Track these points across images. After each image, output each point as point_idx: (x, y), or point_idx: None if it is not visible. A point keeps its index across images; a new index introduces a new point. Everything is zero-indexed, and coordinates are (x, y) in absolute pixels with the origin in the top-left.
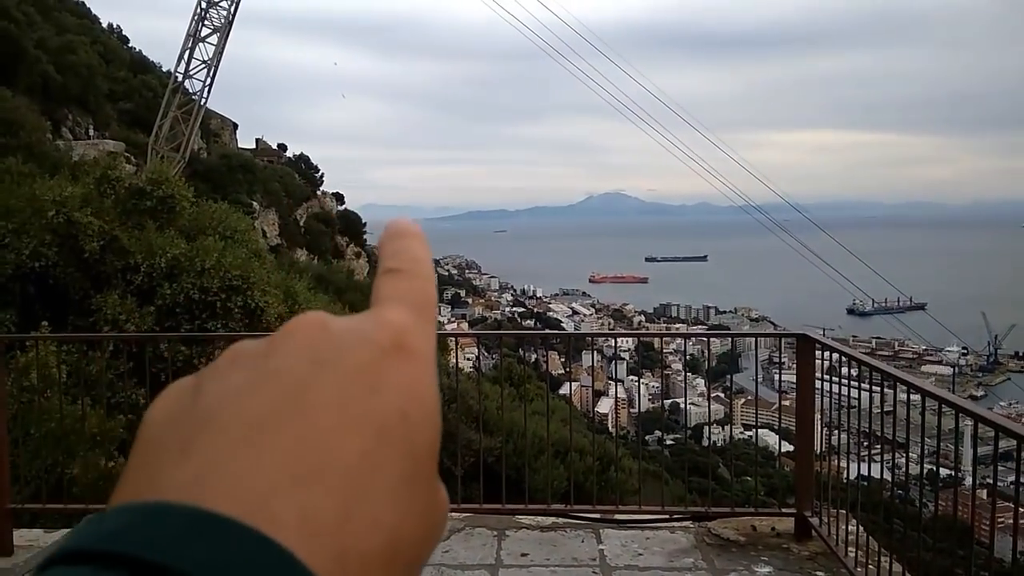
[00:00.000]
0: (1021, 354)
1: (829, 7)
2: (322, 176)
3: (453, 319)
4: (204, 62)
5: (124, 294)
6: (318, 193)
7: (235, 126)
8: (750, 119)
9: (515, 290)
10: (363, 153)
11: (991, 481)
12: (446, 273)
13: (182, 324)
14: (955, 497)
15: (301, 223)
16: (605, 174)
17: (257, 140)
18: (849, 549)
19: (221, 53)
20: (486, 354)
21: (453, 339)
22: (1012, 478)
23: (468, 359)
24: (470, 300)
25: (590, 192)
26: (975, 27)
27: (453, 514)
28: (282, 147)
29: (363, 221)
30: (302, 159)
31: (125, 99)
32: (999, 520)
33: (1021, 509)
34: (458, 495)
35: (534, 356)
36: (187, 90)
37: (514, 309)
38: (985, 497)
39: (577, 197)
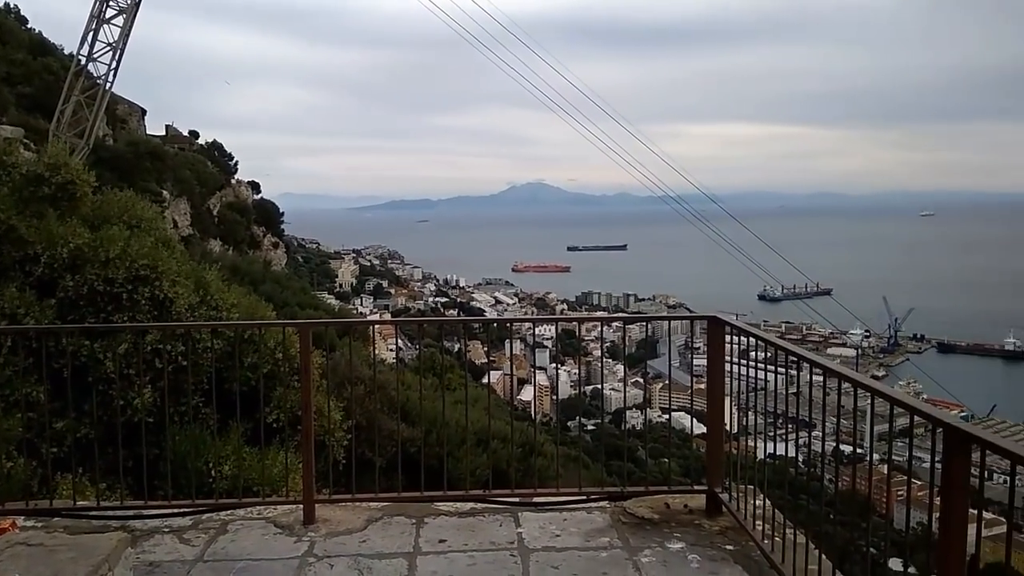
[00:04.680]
0: (919, 336)
1: (745, 3)
2: (237, 164)
3: (376, 310)
4: (109, 45)
5: (23, 287)
6: (233, 182)
7: (143, 112)
8: (668, 112)
9: (438, 280)
10: (281, 141)
11: (895, 458)
12: (368, 263)
13: (86, 317)
14: (854, 472)
15: (214, 212)
16: (527, 164)
17: (167, 126)
18: (757, 523)
19: (127, 35)
20: (409, 344)
21: (375, 329)
22: (918, 454)
23: (391, 350)
24: (393, 290)
25: (512, 182)
26: (880, 26)
27: (371, 504)
28: (194, 134)
29: (280, 211)
30: (215, 146)
31: (24, 83)
32: (899, 493)
33: (915, 481)
34: (377, 485)
35: (457, 346)
36: (91, 74)
37: (437, 299)
38: (885, 471)
39: (500, 187)
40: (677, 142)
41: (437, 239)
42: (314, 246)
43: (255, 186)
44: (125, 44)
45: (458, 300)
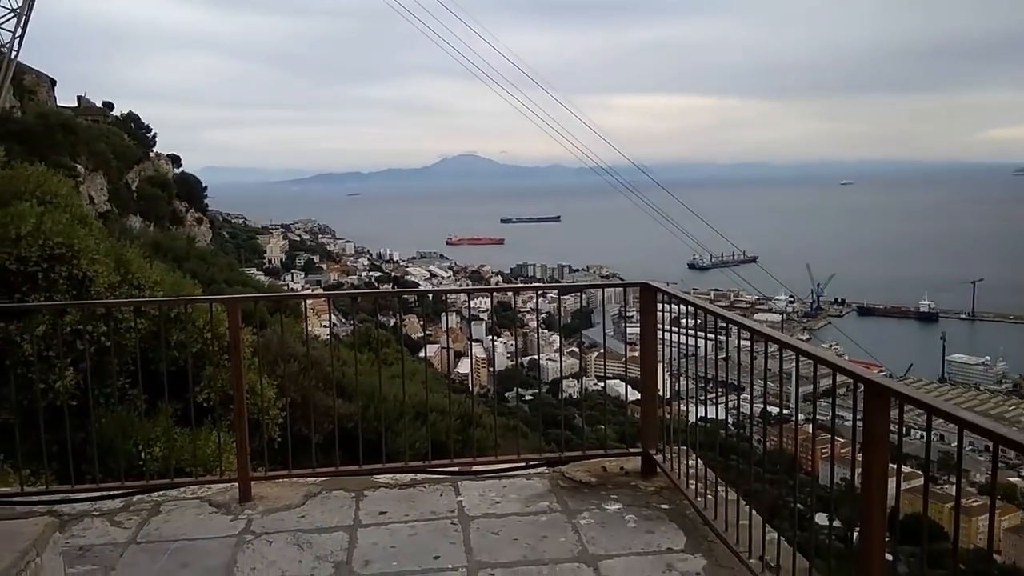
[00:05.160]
0: (840, 300)
1: None
2: (154, 137)
3: (308, 285)
4: (13, 11)
5: None
6: (151, 155)
7: (53, 82)
8: (599, 83)
9: (371, 254)
10: (200, 113)
11: (819, 417)
12: (298, 238)
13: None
14: (781, 432)
15: (133, 187)
16: (458, 136)
17: (79, 98)
18: (690, 483)
19: (33, 1)
20: (343, 320)
21: (308, 304)
22: (842, 412)
23: (324, 326)
24: (324, 266)
25: (444, 154)
26: (799, 1)
27: (309, 479)
28: (108, 105)
29: (204, 185)
30: (131, 118)
31: None
32: (824, 450)
33: (840, 439)
34: (314, 461)
35: (392, 320)
36: None
37: (371, 274)
38: (811, 431)
39: (431, 159)
40: (608, 113)
41: (369, 213)
42: (240, 221)
43: (175, 160)
44: (31, 10)
45: (392, 274)
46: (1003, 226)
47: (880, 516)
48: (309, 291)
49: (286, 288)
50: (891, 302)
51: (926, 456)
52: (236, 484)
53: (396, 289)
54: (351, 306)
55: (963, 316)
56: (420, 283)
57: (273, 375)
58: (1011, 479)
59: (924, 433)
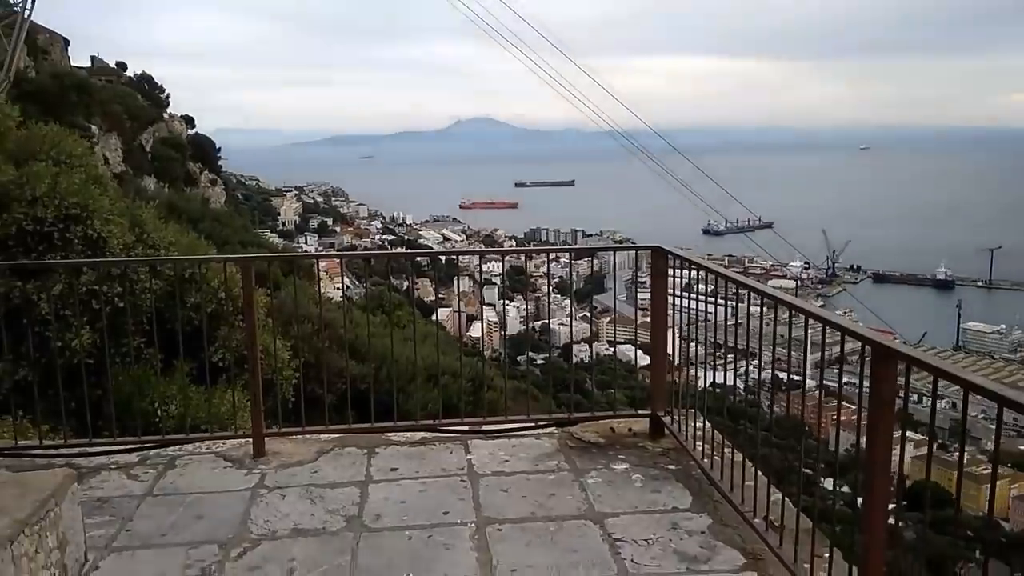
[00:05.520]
0: (856, 267)
1: None
2: (168, 97)
3: (321, 248)
4: None
5: None
6: (165, 116)
7: (66, 42)
8: (619, 45)
9: (384, 217)
10: (213, 73)
11: (830, 383)
12: (312, 200)
13: (16, 258)
14: (789, 398)
15: (147, 148)
16: (473, 99)
17: (92, 58)
18: (697, 444)
19: None
20: (356, 283)
21: (321, 267)
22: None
23: (338, 288)
24: (338, 228)
25: (459, 117)
26: None
27: (321, 436)
28: (121, 66)
29: (217, 146)
30: (144, 79)
31: None
32: (834, 416)
33: (850, 406)
34: (326, 419)
35: (405, 283)
36: (7, 1)
37: (384, 236)
38: (819, 396)
39: (446, 122)
40: (626, 76)
41: (382, 176)
42: (254, 183)
43: (189, 121)
44: None
45: (405, 238)
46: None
47: (884, 479)
48: (322, 253)
49: (300, 250)
50: (907, 269)
51: (931, 418)
52: (250, 440)
53: (409, 251)
54: (364, 268)
55: (980, 284)
56: (433, 247)
57: (287, 336)
58: (1022, 447)
59: (934, 400)
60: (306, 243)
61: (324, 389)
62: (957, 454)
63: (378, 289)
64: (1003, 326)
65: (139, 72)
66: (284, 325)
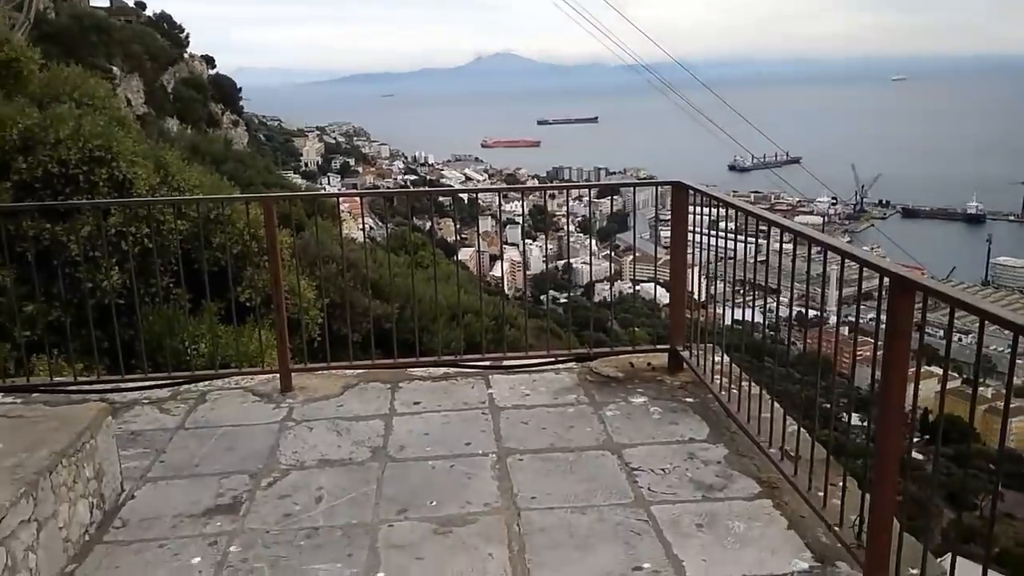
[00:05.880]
0: (885, 202)
1: None
2: (188, 37)
3: (343, 188)
4: None
5: None
6: (185, 56)
7: None
8: None
9: (406, 157)
10: (231, 10)
11: (851, 319)
12: (333, 141)
13: (44, 200)
14: (805, 333)
15: (169, 90)
16: (495, 33)
17: None
18: (715, 377)
19: None
20: (379, 223)
21: (345, 207)
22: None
23: (361, 229)
24: (360, 168)
25: (479, 53)
26: None
27: (346, 372)
28: (140, 5)
29: (238, 87)
30: (164, 18)
31: None
32: (859, 353)
33: (871, 340)
34: (351, 356)
35: (427, 223)
36: None
37: (406, 177)
38: (847, 334)
39: (467, 58)
40: (654, 7)
41: (403, 115)
42: (276, 124)
43: (209, 61)
44: None
45: (428, 177)
46: None
47: (898, 409)
48: (343, 192)
49: (322, 191)
50: (938, 204)
51: (946, 349)
52: (278, 375)
53: (430, 188)
54: (386, 208)
55: (1012, 218)
56: (456, 186)
57: (312, 276)
58: None
59: (950, 330)
60: (329, 184)
61: (348, 328)
62: (984, 391)
63: (400, 229)
64: None
65: (158, 11)
66: (309, 265)
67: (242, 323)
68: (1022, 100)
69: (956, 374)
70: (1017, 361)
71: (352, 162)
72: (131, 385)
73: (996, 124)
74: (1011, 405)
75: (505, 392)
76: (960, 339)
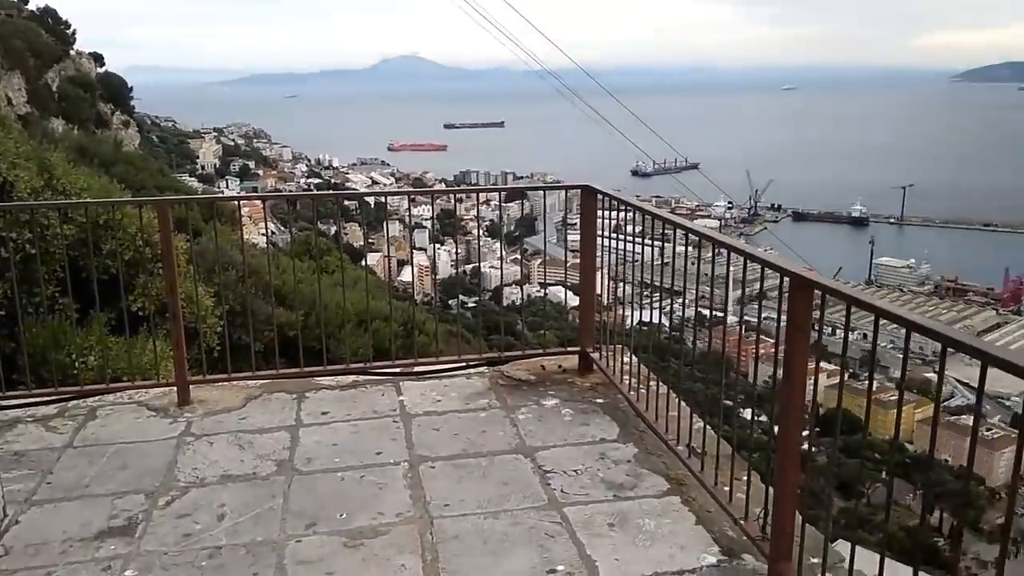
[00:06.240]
0: (776, 206)
1: None
2: (74, 33)
3: (243, 192)
4: None
5: None
6: (72, 53)
7: None
8: None
9: (310, 160)
10: (123, 6)
11: (750, 319)
12: (232, 143)
13: None
14: (711, 333)
15: (54, 88)
16: (400, 36)
17: None
18: (624, 378)
19: None
20: (281, 228)
21: (244, 212)
22: (774, 314)
23: (262, 234)
24: (261, 172)
25: (385, 55)
26: None
27: (249, 383)
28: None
29: (129, 86)
30: (48, 13)
31: None
32: (761, 351)
33: (771, 339)
34: (254, 366)
35: (333, 228)
36: None
37: (310, 180)
38: (744, 332)
39: (371, 60)
40: (557, 15)
41: (306, 116)
42: (170, 124)
43: (98, 58)
44: None
45: (332, 181)
46: (937, 133)
47: (798, 404)
48: (244, 195)
49: (221, 194)
50: (825, 207)
51: (844, 343)
52: (174, 388)
53: (335, 192)
54: (289, 213)
55: (892, 221)
56: (362, 190)
57: (210, 283)
58: (926, 374)
59: (849, 332)
60: (227, 187)
61: (251, 336)
62: (867, 381)
63: (304, 234)
64: (912, 260)
65: (41, 6)
66: (207, 272)
67: (135, 334)
68: (903, 109)
69: (840, 366)
70: (898, 355)
71: (252, 165)
72: (13, 402)
73: (878, 132)
74: (895, 398)
75: (416, 399)
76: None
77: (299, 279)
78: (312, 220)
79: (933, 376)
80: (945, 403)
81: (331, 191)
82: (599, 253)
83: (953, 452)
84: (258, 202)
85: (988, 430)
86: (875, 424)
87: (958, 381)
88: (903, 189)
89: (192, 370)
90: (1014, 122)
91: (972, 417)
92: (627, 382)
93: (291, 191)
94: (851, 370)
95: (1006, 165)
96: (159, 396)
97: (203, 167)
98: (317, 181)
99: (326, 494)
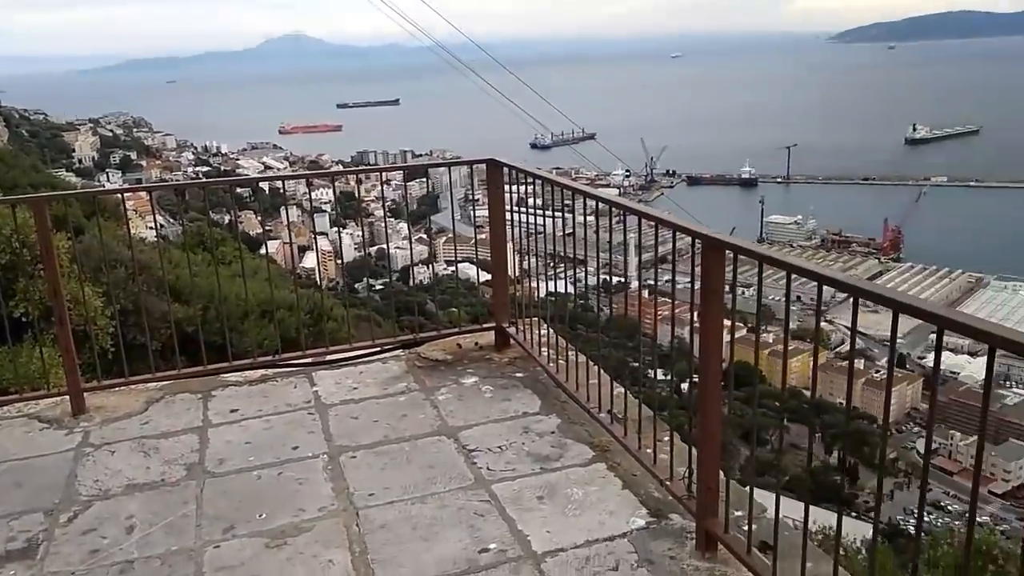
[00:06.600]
0: (672, 172)
1: None
2: None
3: (127, 184)
4: None
5: None
6: None
7: None
8: None
9: (196, 148)
10: None
11: (662, 284)
12: (110, 134)
13: None
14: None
15: None
16: (282, 14)
17: None
18: (542, 350)
19: None
20: (171, 220)
21: (130, 205)
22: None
23: (150, 227)
24: (144, 162)
25: (268, 35)
26: None
27: (149, 385)
28: None
29: None
30: None
31: None
32: (660, 313)
33: (680, 301)
34: (152, 367)
35: (228, 217)
36: None
37: (198, 169)
38: (647, 296)
39: (254, 41)
40: None
41: (190, 102)
42: (40, 117)
43: None
44: None
45: (222, 168)
46: (816, 94)
47: (716, 362)
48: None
49: (102, 188)
50: (717, 171)
51: (757, 299)
52: (67, 397)
53: (226, 179)
54: (178, 204)
55: (779, 180)
56: (255, 176)
57: (98, 283)
58: (823, 325)
59: (760, 282)
60: (109, 180)
61: (147, 336)
62: (766, 336)
63: (197, 225)
64: (799, 217)
65: None
66: (94, 271)
67: (19, 342)
68: (784, 71)
69: (742, 324)
70: (793, 308)
71: (134, 156)
72: None
73: (762, 95)
74: (790, 348)
75: (331, 388)
76: (743, 292)
77: (195, 272)
78: (204, 210)
79: (828, 326)
80: (836, 349)
81: (222, 178)
82: (508, 226)
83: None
84: (143, 194)
85: (876, 372)
86: (772, 374)
87: (847, 327)
88: (788, 149)
89: (85, 376)
90: (884, 80)
91: (859, 360)
92: (545, 354)
93: (178, 181)
94: (749, 324)
95: (879, 120)
96: (51, 407)
97: (80, 160)
98: (206, 169)
99: (242, 495)
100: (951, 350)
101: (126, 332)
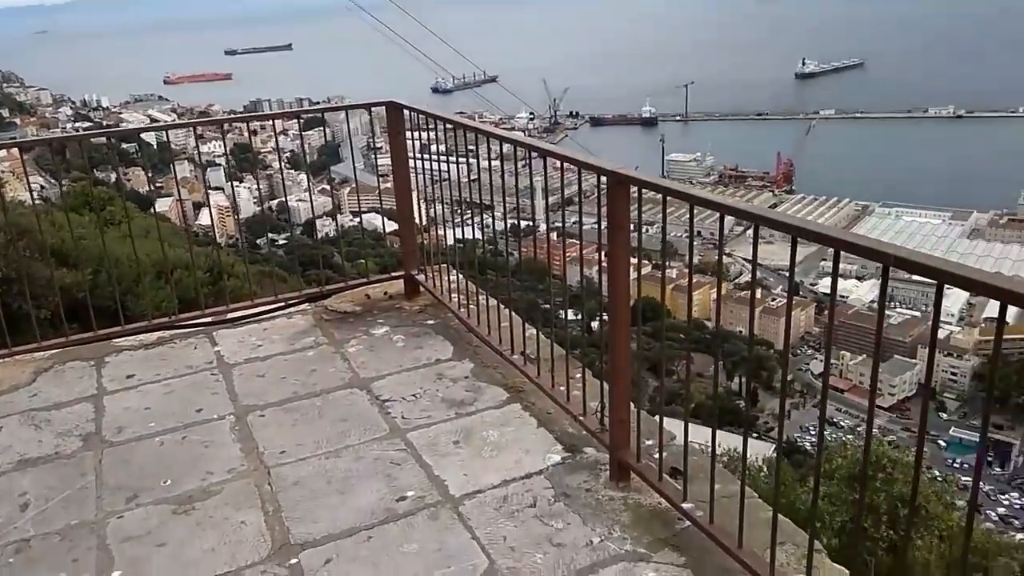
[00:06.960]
0: (575, 113)
1: None
2: None
3: None
4: None
5: None
6: None
7: None
8: None
9: (74, 103)
10: None
11: (562, 224)
12: None
13: None
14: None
15: None
16: None
17: None
18: (452, 296)
19: None
20: (51, 181)
21: (2, 166)
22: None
23: (28, 190)
24: (18, 120)
25: None
26: None
27: (35, 355)
28: None
29: None
30: None
31: None
32: (569, 255)
33: (587, 242)
34: (37, 336)
35: (114, 175)
36: None
37: (78, 125)
38: (556, 238)
39: None
40: None
41: (63, 53)
42: None
43: None
44: None
45: (104, 123)
46: (709, 31)
47: (624, 299)
48: (6, 154)
49: None
50: (618, 111)
51: (663, 233)
52: None
53: (106, 130)
54: (57, 163)
55: (678, 118)
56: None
57: None
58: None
59: (664, 215)
60: None
61: (29, 304)
62: (670, 271)
63: (80, 184)
64: (698, 154)
65: None
66: None
67: None
68: (671, 9)
69: (647, 261)
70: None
71: (6, 113)
72: None
73: (658, 33)
74: (693, 281)
75: (234, 347)
76: (647, 230)
77: (80, 235)
78: (86, 168)
79: (729, 259)
80: (735, 280)
81: (102, 129)
82: (413, 173)
83: (746, 324)
84: (15, 151)
85: (772, 300)
86: (676, 308)
87: (744, 259)
88: (685, 87)
89: None
90: (775, 15)
91: (755, 289)
92: (456, 300)
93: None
94: (655, 262)
95: (770, 56)
96: None
97: None
98: (87, 124)
99: (145, 462)
100: (841, 275)
101: (10, 301)
